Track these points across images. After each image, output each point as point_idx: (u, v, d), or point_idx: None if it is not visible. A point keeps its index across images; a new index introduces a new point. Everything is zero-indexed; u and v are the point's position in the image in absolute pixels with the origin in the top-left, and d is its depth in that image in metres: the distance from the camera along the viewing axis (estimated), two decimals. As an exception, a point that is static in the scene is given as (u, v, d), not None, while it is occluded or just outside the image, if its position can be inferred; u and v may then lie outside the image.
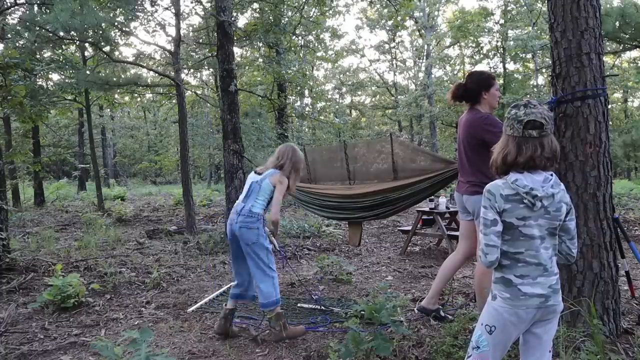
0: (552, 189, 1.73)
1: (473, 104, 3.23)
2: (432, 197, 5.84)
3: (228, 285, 4.69)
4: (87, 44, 11.82)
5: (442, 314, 3.46)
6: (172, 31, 16.46)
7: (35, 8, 9.28)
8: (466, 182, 3.26)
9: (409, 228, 6.62)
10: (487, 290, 3.16)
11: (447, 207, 6.23)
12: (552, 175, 1.77)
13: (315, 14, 16.69)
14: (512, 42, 20.40)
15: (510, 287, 1.76)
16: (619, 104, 29.30)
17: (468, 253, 3.40)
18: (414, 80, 29.79)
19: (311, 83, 17.97)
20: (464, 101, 3.27)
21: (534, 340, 1.82)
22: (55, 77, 13.45)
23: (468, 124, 3.20)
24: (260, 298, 3.25)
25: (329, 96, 31.01)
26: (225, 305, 3.41)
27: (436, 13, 27.18)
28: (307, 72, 19.16)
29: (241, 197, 3.40)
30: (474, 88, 3.19)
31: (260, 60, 15.47)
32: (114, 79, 10.45)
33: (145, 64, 13.51)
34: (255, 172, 3.46)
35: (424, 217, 6.39)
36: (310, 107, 21.91)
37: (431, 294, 3.46)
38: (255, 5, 13.33)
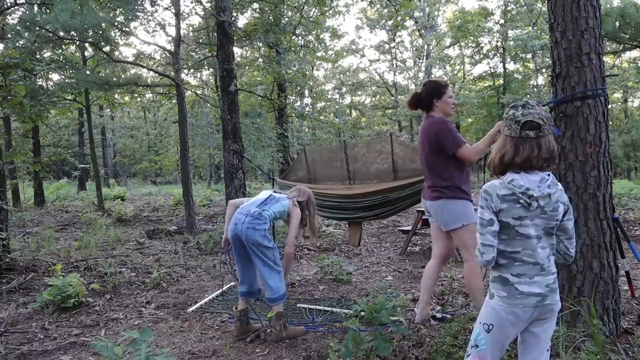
0: (549, 189, 1.74)
1: (428, 111, 3.36)
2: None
3: (228, 286, 4.71)
4: (87, 44, 11.82)
5: (441, 314, 3.46)
6: (172, 31, 16.48)
7: (35, 8, 9.28)
8: (427, 187, 3.35)
9: (409, 228, 6.62)
10: (478, 290, 3.19)
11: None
12: (549, 175, 1.77)
13: (315, 14, 16.68)
14: (512, 42, 20.39)
15: (508, 285, 1.77)
16: (619, 104, 29.31)
17: (443, 255, 3.46)
18: (414, 80, 29.79)
19: (311, 83, 17.97)
20: (420, 109, 3.41)
21: (532, 339, 1.83)
22: (55, 77, 13.47)
23: (425, 130, 3.31)
24: (269, 293, 3.28)
25: (329, 96, 31.02)
26: (236, 308, 3.43)
27: (436, 13, 27.20)
28: (307, 72, 19.16)
29: (253, 202, 3.46)
30: (426, 97, 3.34)
31: (260, 60, 15.47)
32: (114, 79, 10.44)
33: (145, 64, 13.51)
34: (274, 191, 3.65)
35: (424, 217, 6.38)
36: (310, 107, 21.91)
37: (421, 306, 3.47)
38: (255, 5, 13.33)
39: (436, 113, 3.32)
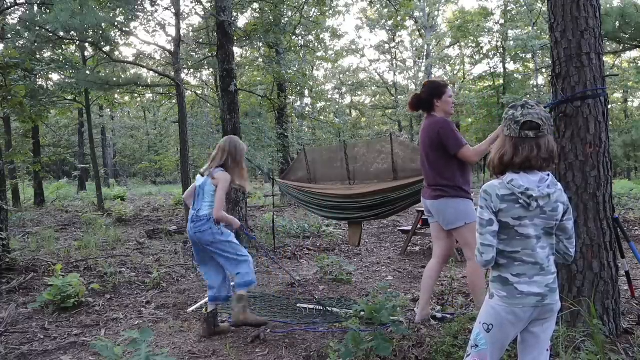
0: (548, 189, 1.74)
1: (429, 111, 3.37)
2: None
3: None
4: (87, 44, 11.82)
5: (441, 314, 3.46)
6: (172, 31, 16.46)
7: (35, 8, 9.28)
8: (428, 187, 3.35)
9: (409, 228, 6.62)
10: (481, 289, 3.19)
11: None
12: (548, 175, 1.77)
13: (315, 14, 16.67)
14: (512, 42, 20.39)
15: (507, 285, 1.77)
16: (619, 104, 29.31)
17: (444, 254, 3.47)
18: (414, 80, 29.79)
19: (311, 83, 17.96)
20: (421, 110, 3.43)
21: (531, 339, 1.83)
22: (55, 77, 13.47)
23: (426, 129, 3.32)
24: (238, 279, 3.30)
25: (329, 96, 31.01)
26: (205, 309, 3.44)
27: (436, 13, 27.20)
28: (307, 72, 19.15)
29: (192, 207, 3.43)
30: (426, 97, 3.35)
31: (260, 60, 15.46)
32: (114, 79, 10.45)
33: (145, 64, 13.51)
34: (200, 174, 3.46)
35: (424, 217, 6.37)
36: (310, 107, 21.90)
37: (421, 306, 3.47)
38: (255, 5, 13.32)
39: (437, 113, 3.34)
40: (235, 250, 3.30)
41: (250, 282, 3.30)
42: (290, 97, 17.89)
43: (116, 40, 11.15)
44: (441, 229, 3.38)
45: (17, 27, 8.91)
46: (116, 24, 9.24)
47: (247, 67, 17.06)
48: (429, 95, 3.33)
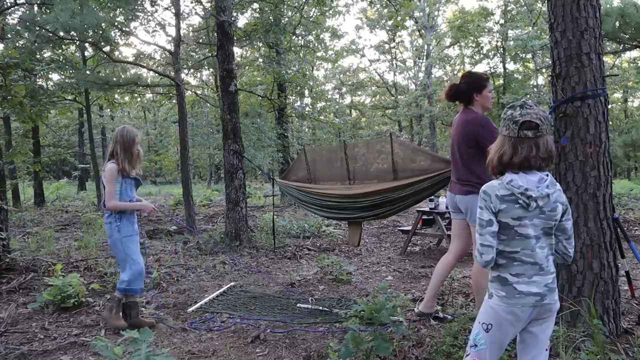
0: (547, 189, 1.74)
1: (467, 104, 3.26)
2: (432, 197, 5.84)
3: (228, 285, 4.71)
4: (87, 44, 11.83)
5: (442, 314, 3.46)
6: (172, 31, 16.45)
7: (35, 8, 9.29)
8: (458, 182, 3.28)
9: (409, 228, 6.62)
10: (485, 289, 3.17)
11: (447, 207, 6.22)
12: (547, 175, 1.77)
13: (315, 14, 16.67)
14: (512, 42, 20.40)
15: (506, 285, 1.78)
16: (619, 104, 29.30)
17: (460, 252, 3.42)
18: (414, 80, 29.79)
19: (311, 83, 17.95)
20: (458, 101, 3.31)
21: (530, 339, 1.83)
22: (55, 77, 13.48)
23: (463, 124, 3.22)
24: (118, 282, 3.49)
25: (329, 96, 30.97)
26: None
27: (436, 13, 27.17)
28: (307, 72, 19.13)
29: None
30: (466, 89, 3.23)
31: (260, 60, 15.46)
32: (114, 79, 10.45)
33: (145, 64, 13.49)
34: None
35: (424, 217, 6.38)
36: (310, 107, 21.88)
37: (427, 298, 3.46)
38: (255, 5, 13.33)
39: (475, 107, 3.23)
40: (125, 254, 3.42)
41: (126, 290, 3.43)
42: (290, 97, 17.90)
43: (116, 40, 11.13)
44: (464, 227, 3.30)
45: (17, 27, 8.91)
46: (116, 24, 9.24)
47: (247, 67, 17.07)
48: (469, 88, 3.21)
